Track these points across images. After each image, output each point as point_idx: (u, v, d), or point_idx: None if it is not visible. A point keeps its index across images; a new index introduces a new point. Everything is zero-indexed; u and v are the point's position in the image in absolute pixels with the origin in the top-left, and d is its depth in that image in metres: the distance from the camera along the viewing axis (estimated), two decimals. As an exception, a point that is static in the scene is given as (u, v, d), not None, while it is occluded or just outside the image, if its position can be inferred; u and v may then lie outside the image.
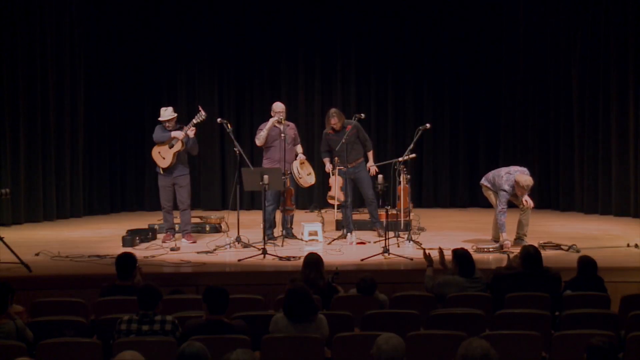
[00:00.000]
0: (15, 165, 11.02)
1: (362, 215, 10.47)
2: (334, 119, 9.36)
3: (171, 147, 9.05)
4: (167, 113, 9.09)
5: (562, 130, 12.36)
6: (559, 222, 11.03)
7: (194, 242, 9.20)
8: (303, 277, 6.09)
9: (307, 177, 9.47)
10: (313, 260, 6.27)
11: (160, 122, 9.11)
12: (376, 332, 4.38)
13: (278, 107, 9.37)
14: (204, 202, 12.81)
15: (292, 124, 9.48)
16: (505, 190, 8.43)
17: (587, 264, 6.33)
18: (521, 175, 8.44)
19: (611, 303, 6.04)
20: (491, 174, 8.81)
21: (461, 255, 6.29)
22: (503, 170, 8.65)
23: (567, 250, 8.38)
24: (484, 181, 8.92)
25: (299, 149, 9.55)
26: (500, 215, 8.48)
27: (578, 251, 8.15)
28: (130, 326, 4.92)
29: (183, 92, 13.04)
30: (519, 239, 8.73)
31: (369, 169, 9.57)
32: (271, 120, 9.27)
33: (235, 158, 9.07)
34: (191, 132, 8.99)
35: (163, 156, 9.08)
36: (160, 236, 9.44)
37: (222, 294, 4.99)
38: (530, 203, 8.52)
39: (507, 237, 8.47)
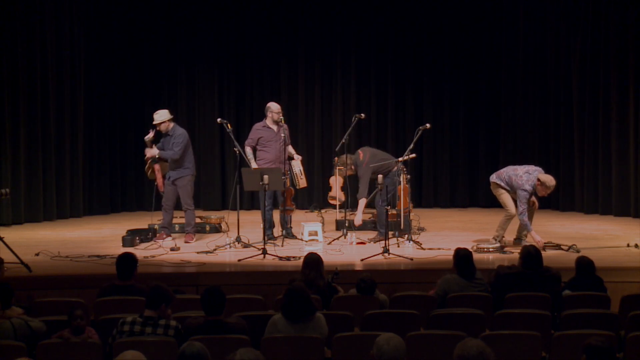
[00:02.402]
0: (15, 165, 11.02)
1: (362, 215, 10.47)
2: (342, 171, 9.35)
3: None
4: (156, 116, 9.17)
5: (562, 130, 12.36)
6: (559, 222, 11.03)
7: (188, 242, 9.17)
8: (303, 277, 6.10)
9: (304, 178, 9.51)
10: (313, 260, 6.28)
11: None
12: (376, 332, 4.38)
13: (276, 107, 9.36)
14: (204, 202, 12.80)
15: (285, 125, 9.46)
16: (526, 190, 8.37)
17: (584, 264, 6.34)
18: (543, 174, 8.45)
19: (611, 303, 6.04)
20: (505, 173, 8.68)
21: (460, 257, 6.27)
22: (520, 170, 8.56)
23: (567, 250, 8.38)
24: (496, 179, 8.75)
25: (292, 149, 9.55)
26: (522, 216, 8.40)
27: (578, 251, 8.15)
28: (134, 328, 4.90)
29: (183, 92, 13.04)
30: (519, 239, 8.74)
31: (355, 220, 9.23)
32: (265, 123, 9.32)
33: (235, 158, 9.08)
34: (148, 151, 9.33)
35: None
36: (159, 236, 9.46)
37: (218, 296, 4.99)
38: (537, 204, 8.51)
39: (535, 235, 8.43)
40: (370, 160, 9.12)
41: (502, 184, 8.67)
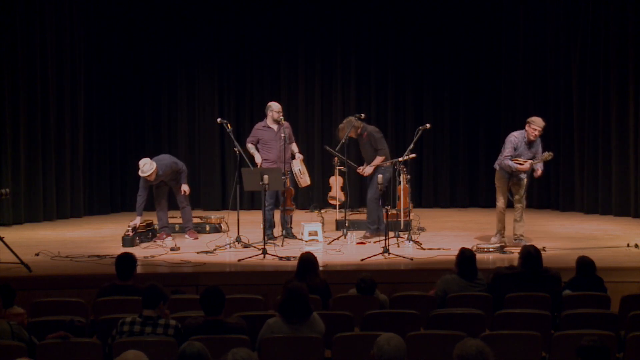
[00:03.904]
0: (16, 165, 11.02)
1: (362, 215, 10.48)
2: (340, 132, 9.50)
3: None
4: (147, 168, 8.95)
5: (562, 130, 12.35)
6: (559, 222, 11.03)
7: (197, 238, 9.37)
8: (300, 277, 6.08)
9: (305, 176, 9.49)
10: (308, 260, 6.28)
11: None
12: (376, 332, 4.38)
13: (277, 107, 9.37)
14: (204, 202, 12.80)
15: (286, 123, 9.44)
16: (514, 136, 8.59)
17: (585, 264, 6.34)
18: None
19: (611, 303, 6.04)
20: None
21: (465, 257, 6.26)
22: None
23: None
24: (496, 164, 8.89)
25: (295, 147, 9.55)
26: (505, 160, 8.55)
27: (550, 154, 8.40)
28: (133, 328, 4.90)
29: (183, 92, 13.03)
30: (518, 239, 8.73)
31: (364, 169, 9.49)
32: (265, 123, 9.34)
33: (235, 158, 9.09)
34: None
35: None
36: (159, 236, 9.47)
37: (217, 296, 4.99)
38: (539, 171, 8.57)
39: (513, 164, 8.52)
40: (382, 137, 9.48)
41: (499, 164, 8.78)
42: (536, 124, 8.56)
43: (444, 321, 5.48)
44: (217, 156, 13.01)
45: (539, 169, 8.60)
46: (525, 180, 8.78)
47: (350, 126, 9.34)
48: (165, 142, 12.83)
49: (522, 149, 8.58)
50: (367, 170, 9.38)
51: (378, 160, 9.33)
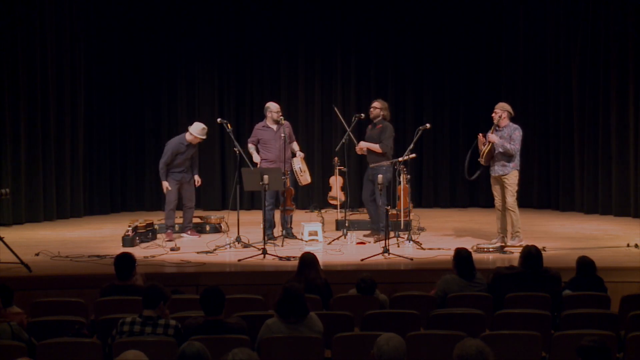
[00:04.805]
0: (16, 165, 11.02)
1: (362, 215, 10.48)
2: (374, 104, 9.50)
3: None
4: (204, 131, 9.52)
5: (562, 130, 12.36)
6: (559, 222, 11.03)
7: (200, 236, 9.57)
8: (302, 277, 6.08)
9: (306, 174, 9.49)
10: (310, 259, 6.28)
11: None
12: (376, 332, 4.38)
13: (275, 107, 9.38)
14: (204, 202, 12.80)
15: (286, 122, 9.41)
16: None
17: (585, 264, 6.34)
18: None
19: (611, 303, 6.04)
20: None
21: (461, 257, 6.26)
22: None
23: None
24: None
25: (296, 146, 9.55)
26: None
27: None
28: (133, 328, 4.90)
29: (183, 92, 13.03)
30: (515, 238, 8.71)
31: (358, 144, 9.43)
32: (265, 123, 9.37)
33: (235, 158, 9.09)
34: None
35: None
36: (160, 236, 9.46)
37: (217, 296, 4.99)
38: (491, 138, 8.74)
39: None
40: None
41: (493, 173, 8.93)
42: (496, 107, 8.91)
43: (444, 321, 5.48)
44: (217, 156, 13.01)
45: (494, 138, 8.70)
46: (508, 179, 8.72)
47: (384, 107, 9.41)
48: (165, 143, 12.79)
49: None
50: (361, 144, 9.30)
51: (375, 147, 9.17)
